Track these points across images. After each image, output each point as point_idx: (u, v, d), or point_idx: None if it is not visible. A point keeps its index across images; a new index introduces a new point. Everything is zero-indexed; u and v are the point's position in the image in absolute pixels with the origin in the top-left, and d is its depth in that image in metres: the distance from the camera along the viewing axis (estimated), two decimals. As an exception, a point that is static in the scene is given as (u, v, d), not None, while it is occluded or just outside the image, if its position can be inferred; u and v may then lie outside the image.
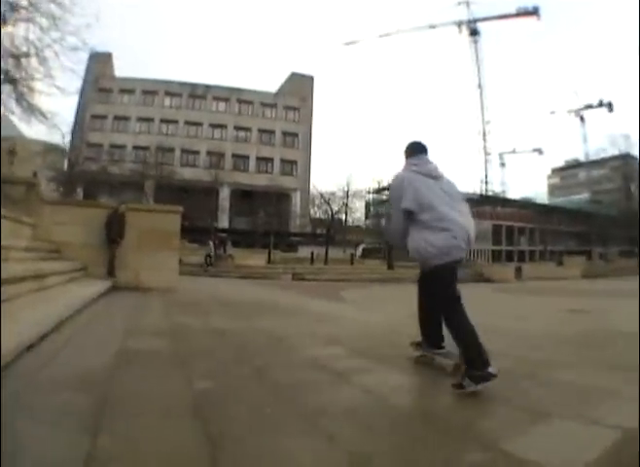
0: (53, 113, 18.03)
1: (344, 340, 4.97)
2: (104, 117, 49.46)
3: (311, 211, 52.29)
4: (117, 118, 48.62)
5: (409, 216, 3.45)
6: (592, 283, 23.59)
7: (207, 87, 55.76)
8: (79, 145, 39.98)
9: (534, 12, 67.26)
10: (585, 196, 69.36)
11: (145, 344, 4.24)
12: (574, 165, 78.11)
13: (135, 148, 45.99)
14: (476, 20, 69.64)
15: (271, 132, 57.42)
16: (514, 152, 75.47)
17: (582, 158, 75.15)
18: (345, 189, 44.06)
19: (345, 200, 44.48)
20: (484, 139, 70.93)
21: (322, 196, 44.36)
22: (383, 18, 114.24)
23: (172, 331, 5.15)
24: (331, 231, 42.67)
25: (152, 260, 10.72)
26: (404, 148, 3.87)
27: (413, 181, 3.49)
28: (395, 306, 9.73)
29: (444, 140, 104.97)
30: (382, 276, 26.41)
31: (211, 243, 29.24)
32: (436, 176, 3.62)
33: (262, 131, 57.01)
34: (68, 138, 35.74)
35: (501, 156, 72.47)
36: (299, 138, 58.28)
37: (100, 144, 45.56)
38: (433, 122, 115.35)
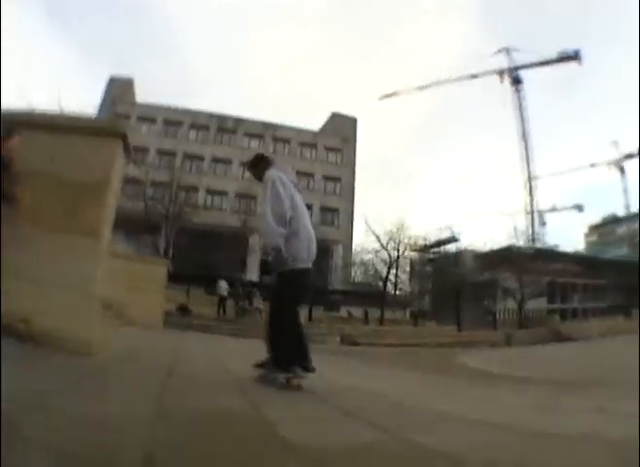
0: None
1: None
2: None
3: (352, 271, 45.29)
4: (133, 149, 40.25)
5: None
6: None
7: (238, 120, 48.60)
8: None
9: (575, 56, 63.69)
10: (623, 250, 64.07)
11: None
12: (612, 221, 72.33)
13: (153, 184, 37.38)
14: (517, 68, 64.65)
15: (310, 175, 49.43)
16: (554, 210, 67.56)
17: (620, 211, 70.56)
18: (396, 241, 36.52)
19: (395, 256, 36.71)
20: (531, 194, 63.93)
21: (378, 239, 36.43)
22: (422, 69, 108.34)
23: None
24: (387, 283, 36.43)
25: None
26: (251, 161, 4.35)
27: (288, 189, 3.83)
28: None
29: (485, 194, 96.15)
30: (455, 339, 23.28)
31: (222, 283, 23.97)
32: (297, 186, 4.06)
33: (300, 174, 48.27)
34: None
35: (541, 214, 64.71)
36: (341, 184, 50.61)
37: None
38: (474, 174, 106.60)
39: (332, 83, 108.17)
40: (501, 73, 66.03)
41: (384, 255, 36.43)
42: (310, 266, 3.88)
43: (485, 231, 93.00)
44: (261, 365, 3.97)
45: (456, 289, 37.16)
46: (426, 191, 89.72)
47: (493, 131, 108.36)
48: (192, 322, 19.55)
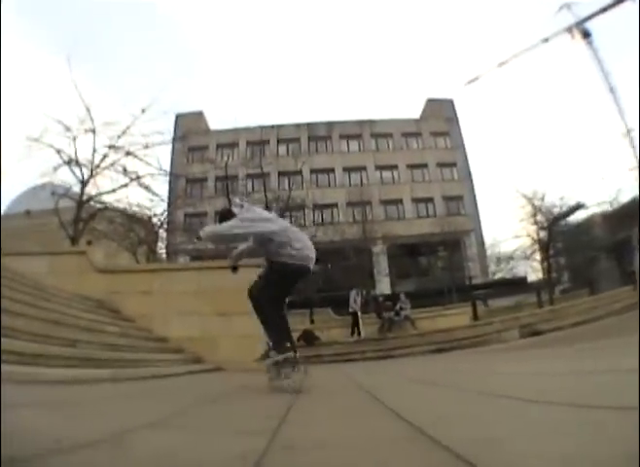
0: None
1: None
2: (203, 180, 37.71)
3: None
4: (219, 179, 36.47)
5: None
6: None
7: (330, 124, 44.09)
8: (174, 216, 28.59)
9: (628, -5, 55.32)
10: None
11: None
12: None
13: (249, 212, 33.06)
14: (583, 21, 58.00)
15: (423, 166, 44.29)
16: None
17: None
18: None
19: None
20: (633, 146, 55.36)
21: (530, 201, 28.76)
22: (498, 48, 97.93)
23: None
24: (551, 251, 29.60)
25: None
26: (220, 217, 4.73)
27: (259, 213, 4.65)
28: None
29: (591, 154, 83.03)
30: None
31: (354, 293, 18.25)
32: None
33: (411, 167, 44.04)
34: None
35: (642, 165, 54.61)
36: (457, 168, 44.60)
37: (204, 213, 33.62)
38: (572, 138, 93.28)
39: (410, 73, 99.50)
40: (569, 30, 59.70)
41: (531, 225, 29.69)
42: (306, 264, 4.39)
43: (599, 191, 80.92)
44: (263, 357, 4.35)
45: (615, 251, 34.69)
46: (538, 162, 79.16)
47: (581, 90, 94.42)
48: (321, 352, 14.16)
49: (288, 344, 4.16)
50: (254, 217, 4.43)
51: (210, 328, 8.90)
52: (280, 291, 4.48)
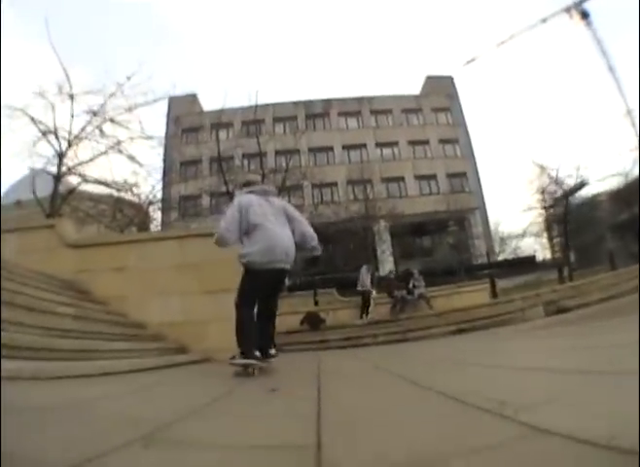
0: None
1: None
2: (197, 161, 36.70)
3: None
4: (214, 160, 35.15)
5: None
6: None
7: (327, 101, 42.80)
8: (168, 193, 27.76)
9: (627, -26, 54.47)
10: None
11: None
12: None
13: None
14: (581, 1, 57.29)
15: (425, 143, 43.12)
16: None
17: None
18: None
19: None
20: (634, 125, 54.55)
21: (545, 170, 28.15)
22: (497, 27, 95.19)
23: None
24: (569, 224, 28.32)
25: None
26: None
27: (244, 207, 4.38)
28: None
29: (592, 133, 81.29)
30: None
31: (364, 270, 16.76)
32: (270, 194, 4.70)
33: (412, 143, 42.88)
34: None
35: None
36: (460, 144, 43.52)
37: (198, 195, 32.35)
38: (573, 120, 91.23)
39: (408, 51, 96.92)
40: (568, 10, 59.25)
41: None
42: (271, 266, 4.28)
43: (603, 168, 79.88)
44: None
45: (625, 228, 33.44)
46: (539, 141, 78.06)
47: (580, 70, 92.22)
48: (327, 337, 13.13)
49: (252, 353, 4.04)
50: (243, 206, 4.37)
51: (197, 310, 7.46)
52: (248, 288, 4.32)
